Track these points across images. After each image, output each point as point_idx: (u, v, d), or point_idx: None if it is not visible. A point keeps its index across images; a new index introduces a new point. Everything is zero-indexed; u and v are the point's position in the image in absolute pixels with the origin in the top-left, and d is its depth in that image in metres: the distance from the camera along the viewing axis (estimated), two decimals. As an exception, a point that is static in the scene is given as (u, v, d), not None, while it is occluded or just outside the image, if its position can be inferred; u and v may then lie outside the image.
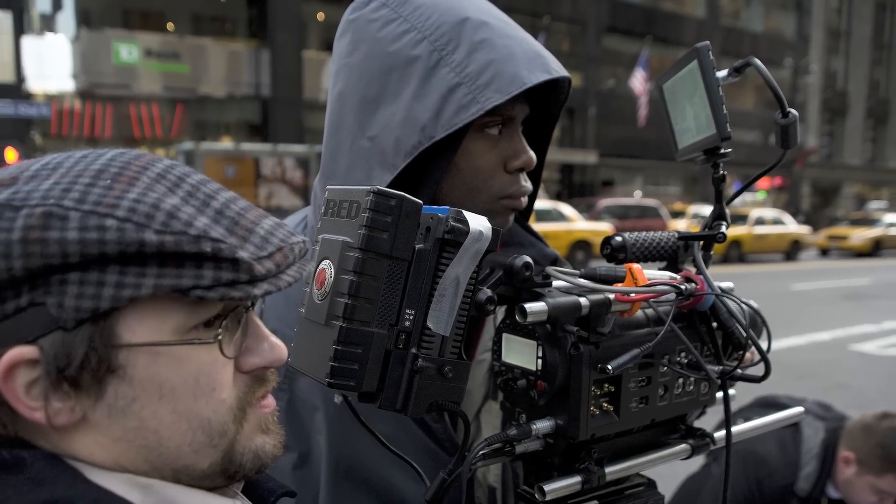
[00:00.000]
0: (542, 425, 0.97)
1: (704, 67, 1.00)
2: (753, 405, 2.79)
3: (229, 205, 0.76)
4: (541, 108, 1.34)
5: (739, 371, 1.03)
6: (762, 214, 26.81)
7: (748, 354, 1.10)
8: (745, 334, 1.05)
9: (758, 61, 0.99)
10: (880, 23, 50.77)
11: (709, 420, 1.17)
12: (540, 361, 0.96)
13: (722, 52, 32.85)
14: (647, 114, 31.34)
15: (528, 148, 1.26)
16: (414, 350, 0.80)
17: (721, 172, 1.06)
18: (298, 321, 0.86)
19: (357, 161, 1.21)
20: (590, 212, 23.17)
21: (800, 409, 1.29)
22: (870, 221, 31.05)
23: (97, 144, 20.21)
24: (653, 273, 1.01)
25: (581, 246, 20.13)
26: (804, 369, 9.06)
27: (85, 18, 24.38)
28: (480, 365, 1.34)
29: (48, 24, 25.57)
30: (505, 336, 1.02)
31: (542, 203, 20.13)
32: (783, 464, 2.70)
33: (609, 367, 0.93)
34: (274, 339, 0.81)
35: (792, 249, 26.82)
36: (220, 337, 0.74)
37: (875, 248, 29.07)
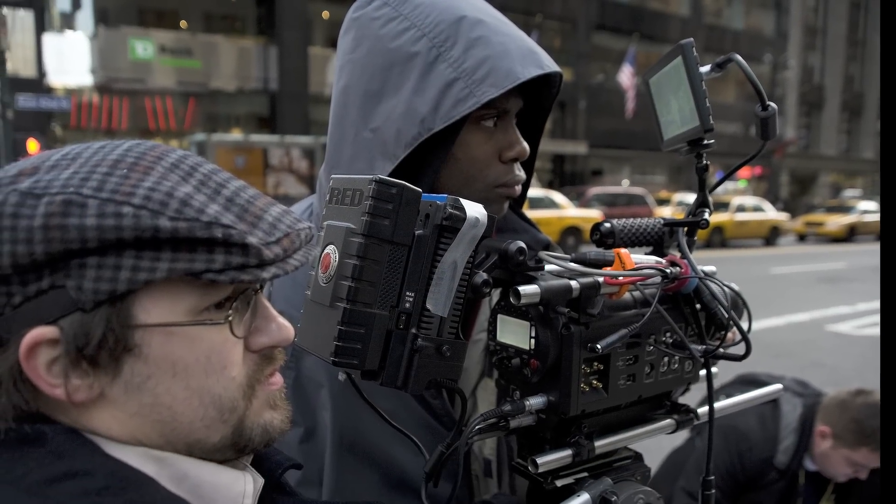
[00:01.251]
0: (535, 401, 0.97)
1: (688, 63, 0.99)
2: (735, 382, 2.79)
3: (239, 193, 0.75)
4: (533, 102, 1.33)
5: (721, 350, 1.03)
6: (743, 202, 26.80)
7: (730, 334, 1.11)
8: (726, 315, 1.05)
9: (739, 57, 0.99)
10: (854, 20, 50.53)
11: (692, 396, 1.17)
12: (533, 341, 0.97)
13: (705, 49, 32.76)
14: (634, 107, 31.22)
15: (521, 139, 1.25)
16: (414, 330, 0.80)
17: (704, 162, 1.06)
18: (304, 303, 0.86)
19: (360, 151, 1.20)
20: (580, 199, 23.16)
21: (778, 386, 1.29)
22: (845, 209, 30.98)
23: (114, 136, 20.15)
24: (640, 257, 1.01)
25: (572, 232, 20.15)
26: (782, 348, 9.08)
27: (102, 17, 24.25)
28: (477, 344, 1.34)
29: (68, 22, 25.41)
30: (500, 317, 1.02)
31: (534, 191, 20.11)
32: (763, 438, 2.71)
33: (598, 346, 0.93)
34: (281, 319, 0.81)
35: (771, 235, 26.83)
36: (230, 318, 0.74)
37: (850, 234, 29.03)
